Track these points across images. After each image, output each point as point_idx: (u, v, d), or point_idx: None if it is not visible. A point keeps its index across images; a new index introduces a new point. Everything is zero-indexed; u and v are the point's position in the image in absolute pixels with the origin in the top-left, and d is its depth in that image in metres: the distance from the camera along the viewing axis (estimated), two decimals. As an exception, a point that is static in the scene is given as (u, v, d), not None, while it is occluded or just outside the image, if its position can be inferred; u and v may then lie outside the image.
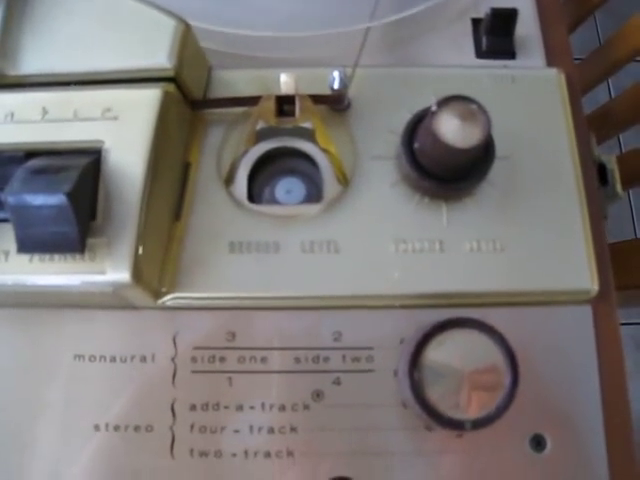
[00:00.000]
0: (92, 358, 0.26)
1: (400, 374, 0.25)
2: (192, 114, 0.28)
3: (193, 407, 0.25)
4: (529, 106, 0.28)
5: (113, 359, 0.26)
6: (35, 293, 0.25)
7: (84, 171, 0.23)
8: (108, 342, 0.26)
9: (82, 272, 0.23)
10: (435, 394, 0.23)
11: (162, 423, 0.25)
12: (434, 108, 0.24)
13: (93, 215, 0.24)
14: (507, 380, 0.23)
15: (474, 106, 0.25)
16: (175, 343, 0.26)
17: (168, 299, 0.26)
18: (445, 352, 0.24)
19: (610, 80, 0.84)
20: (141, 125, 0.24)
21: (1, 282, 0.24)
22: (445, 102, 0.25)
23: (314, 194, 0.27)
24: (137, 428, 0.25)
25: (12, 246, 0.23)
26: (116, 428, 0.25)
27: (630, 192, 0.91)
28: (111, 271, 0.23)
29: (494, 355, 0.24)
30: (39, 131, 0.25)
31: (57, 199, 0.22)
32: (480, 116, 0.25)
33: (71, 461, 0.25)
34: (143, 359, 0.26)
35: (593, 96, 0.51)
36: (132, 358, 0.26)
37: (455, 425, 0.23)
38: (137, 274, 0.23)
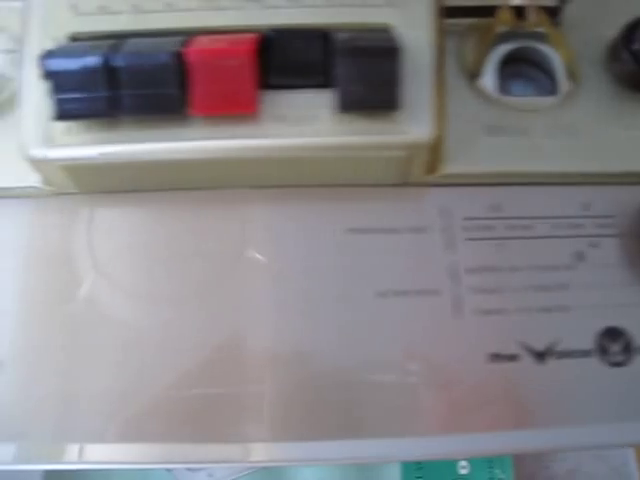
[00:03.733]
0: (365, 231, 0.27)
1: None
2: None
3: (471, 271, 0.27)
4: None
5: (386, 231, 0.27)
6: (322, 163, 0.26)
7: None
8: (381, 216, 0.27)
9: (386, 133, 0.25)
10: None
11: (443, 287, 0.27)
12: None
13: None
14: None
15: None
16: (445, 215, 0.28)
17: (438, 176, 0.28)
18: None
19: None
20: (423, 8, 0.27)
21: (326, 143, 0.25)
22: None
23: (545, 92, 0.30)
24: (420, 292, 0.26)
25: (323, 111, 0.25)
26: (400, 293, 0.26)
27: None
28: (414, 130, 0.25)
29: None
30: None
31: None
32: None
33: (361, 330, 0.26)
34: (416, 230, 0.27)
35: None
36: (405, 230, 0.27)
37: None
38: (435, 135, 0.25)
